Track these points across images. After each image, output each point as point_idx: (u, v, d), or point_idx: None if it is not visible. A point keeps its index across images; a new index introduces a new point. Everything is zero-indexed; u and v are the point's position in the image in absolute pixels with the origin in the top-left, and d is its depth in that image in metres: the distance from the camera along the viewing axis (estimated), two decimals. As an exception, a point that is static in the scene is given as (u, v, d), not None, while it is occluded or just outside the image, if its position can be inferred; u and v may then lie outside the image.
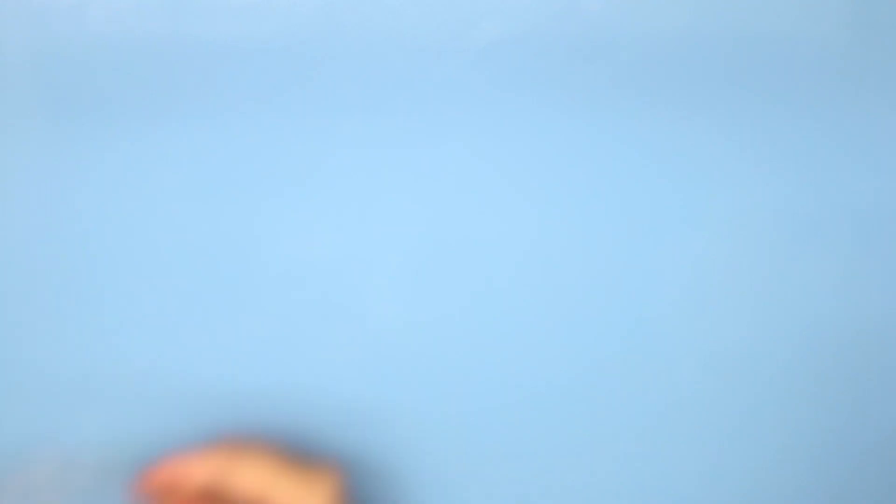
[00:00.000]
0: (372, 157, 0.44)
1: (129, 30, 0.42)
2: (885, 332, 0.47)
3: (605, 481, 0.49)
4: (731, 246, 0.46)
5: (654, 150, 0.44)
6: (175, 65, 0.42)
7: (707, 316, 0.46)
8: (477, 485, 0.50)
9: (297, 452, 0.44)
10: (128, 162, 0.44)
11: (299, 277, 0.46)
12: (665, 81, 0.43)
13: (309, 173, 0.44)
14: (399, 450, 0.49)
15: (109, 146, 0.44)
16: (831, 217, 0.45)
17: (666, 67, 0.43)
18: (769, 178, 0.45)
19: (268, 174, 0.44)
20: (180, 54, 0.42)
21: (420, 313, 0.47)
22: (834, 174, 0.45)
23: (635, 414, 0.47)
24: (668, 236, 0.45)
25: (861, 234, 0.46)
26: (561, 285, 0.46)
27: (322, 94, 0.43)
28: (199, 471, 0.39)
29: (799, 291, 0.47)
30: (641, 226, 0.45)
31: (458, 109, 0.43)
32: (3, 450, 0.48)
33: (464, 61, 0.43)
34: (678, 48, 0.42)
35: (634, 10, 0.42)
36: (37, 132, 0.43)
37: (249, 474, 0.39)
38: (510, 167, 0.44)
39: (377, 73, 0.43)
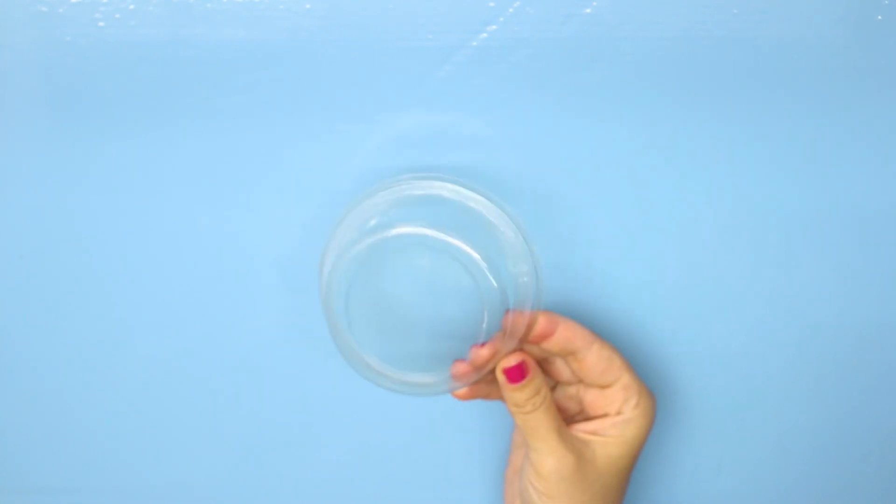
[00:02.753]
0: (372, 156, 0.44)
1: (133, 31, 0.42)
2: (885, 332, 0.47)
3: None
4: (731, 245, 0.46)
5: (653, 150, 0.44)
6: (178, 66, 0.42)
7: (706, 315, 0.46)
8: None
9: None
10: (131, 163, 0.44)
11: (302, 278, 0.46)
12: (664, 82, 0.43)
13: (311, 173, 0.44)
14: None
15: (113, 147, 0.44)
16: (831, 217, 0.45)
17: (666, 68, 0.43)
18: (769, 177, 0.45)
19: (269, 174, 0.44)
20: (183, 56, 0.42)
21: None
22: (834, 174, 0.45)
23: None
24: (668, 236, 0.45)
25: (861, 233, 0.46)
26: (566, 284, 0.46)
27: (324, 94, 0.43)
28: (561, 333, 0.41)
29: (799, 291, 0.47)
30: (642, 225, 0.45)
31: (459, 109, 0.43)
32: (4, 448, 0.48)
33: (463, 62, 0.43)
34: (678, 49, 0.42)
35: (634, 10, 0.42)
36: (41, 133, 0.43)
37: (605, 350, 0.41)
38: (510, 167, 0.44)
39: (377, 73, 0.43)
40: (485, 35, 0.42)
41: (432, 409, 0.48)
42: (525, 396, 0.40)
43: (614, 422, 0.41)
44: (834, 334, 0.47)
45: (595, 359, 0.41)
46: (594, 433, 0.41)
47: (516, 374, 0.40)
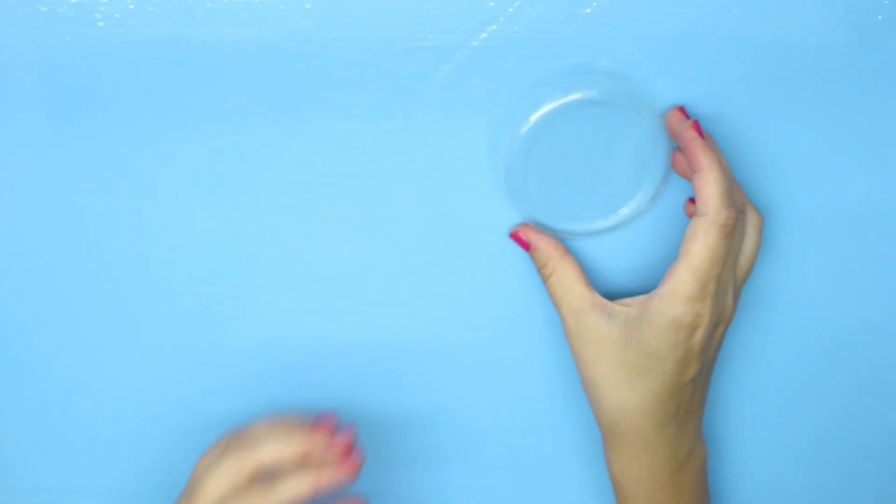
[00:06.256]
0: (372, 156, 0.44)
1: (133, 31, 0.42)
2: (885, 332, 0.47)
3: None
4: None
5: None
6: (178, 66, 0.42)
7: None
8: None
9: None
10: (130, 162, 0.44)
11: (303, 278, 0.46)
12: (664, 82, 0.43)
13: (311, 173, 0.44)
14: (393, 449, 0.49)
15: (113, 147, 0.44)
16: (831, 217, 0.45)
17: (665, 68, 0.43)
18: (769, 177, 0.45)
19: (269, 174, 0.44)
20: (183, 56, 0.42)
21: (419, 314, 0.47)
22: (834, 174, 0.45)
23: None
24: (666, 235, 0.45)
25: (861, 233, 0.46)
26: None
27: (324, 94, 0.43)
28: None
29: (799, 291, 0.47)
30: (640, 224, 0.45)
31: (458, 109, 0.43)
32: (4, 448, 0.48)
33: (463, 62, 0.43)
34: (678, 48, 0.42)
35: (634, 10, 0.42)
36: (41, 133, 0.43)
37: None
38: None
39: (377, 73, 0.43)
40: (485, 35, 0.42)
41: (433, 411, 0.48)
42: (535, 264, 0.44)
43: (651, 295, 0.40)
44: (834, 334, 0.47)
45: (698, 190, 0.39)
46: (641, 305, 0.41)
47: (520, 242, 0.44)
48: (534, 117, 0.41)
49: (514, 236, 0.44)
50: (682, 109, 0.42)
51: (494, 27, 0.42)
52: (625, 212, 0.43)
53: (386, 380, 0.47)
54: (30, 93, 0.42)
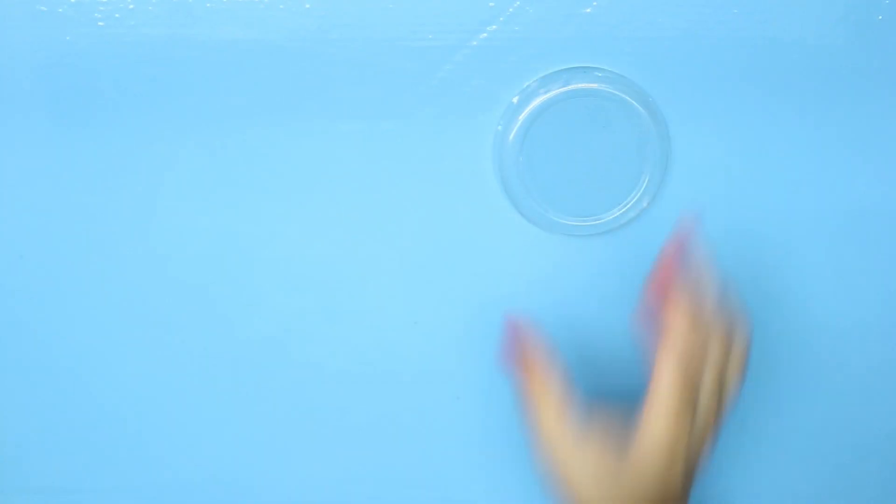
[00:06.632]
0: (372, 156, 0.44)
1: (133, 31, 0.42)
2: (885, 332, 0.47)
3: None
4: (731, 245, 0.46)
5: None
6: (178, 66, 0.42)
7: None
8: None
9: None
10: (130, 162, 0.44)
11: (303, 278, 0.46)
12: (664, 83, 0.43)
13: (311, 173, 0.44)
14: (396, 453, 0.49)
15: (113, 146, 0.44)
16: (831, 217, 0.45)
17: (665, 68, 0.43)
18: (768, 177, 0.45)
19: (270, 174, 0.44)
20: (183, 56, 0.42)
21: (418, 313, 0.47)
22: (834, 174, 0.45)
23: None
24: (667, 235, 0.45)
25: (861, 233, 0.46)
26: (563, 283, 0.46)
27: (324, 94, 0.43)
28: None
29: (799, 291, 0.47)
30: (640, 225, 0.45)
31: (458, 109, 0.43)
32: (4, 448, 0.48)
33: (463, 62, 0.43)
34: (678, 49, 0.42)
35: (634, 10, 0.42)
36: (41, 132, 0.43)
37: None
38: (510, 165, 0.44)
39: (377, 73, 0.43)
40: (485, 35, 0.42)
41: (433, 411, 0.48)
42: (520, 387, 0.41)
43: (630, 440, 0.38)
44: (834, 334, 0.47)
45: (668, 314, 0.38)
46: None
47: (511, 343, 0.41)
48: (527, 109, 0.41)
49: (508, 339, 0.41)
50: (688, 228, 0.40)
51: (494, 27, 0.42)
52: (623, 209, 0.43)
53: (386, 379, 0.47)
54: (30, 93, 0.42)
